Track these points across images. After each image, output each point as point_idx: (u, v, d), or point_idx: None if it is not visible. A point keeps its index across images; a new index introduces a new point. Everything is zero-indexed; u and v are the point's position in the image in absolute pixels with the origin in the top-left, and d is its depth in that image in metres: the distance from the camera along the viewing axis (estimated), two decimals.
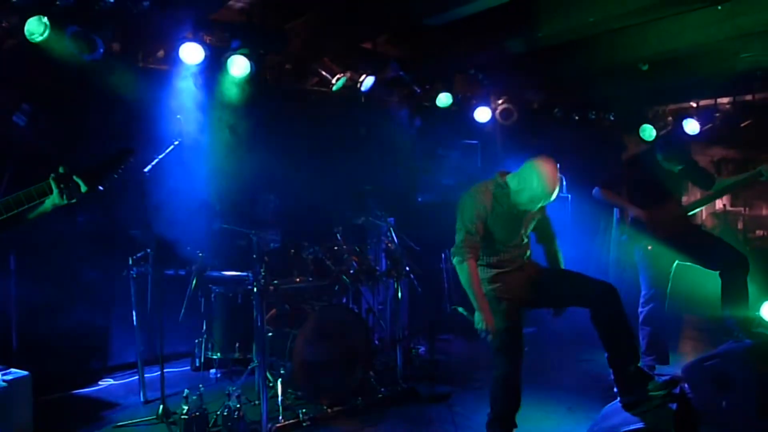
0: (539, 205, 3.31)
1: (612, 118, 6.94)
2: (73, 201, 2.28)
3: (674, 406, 3.04)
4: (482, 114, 6.29)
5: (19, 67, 4.16)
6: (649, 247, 4.46)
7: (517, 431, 3.46)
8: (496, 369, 3.38)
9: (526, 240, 3.46)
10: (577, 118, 6.85)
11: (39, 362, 4.00)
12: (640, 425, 2.97)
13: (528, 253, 3.48)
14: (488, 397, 3.42)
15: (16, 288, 4.33)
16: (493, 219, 3.29)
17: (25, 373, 3.78)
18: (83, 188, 2.27)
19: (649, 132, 6.52)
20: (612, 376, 3.35)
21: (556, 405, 4.26)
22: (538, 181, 3.17)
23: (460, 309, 3.38)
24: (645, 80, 5.64)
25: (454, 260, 3.30)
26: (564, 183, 3.24)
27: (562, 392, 4.51)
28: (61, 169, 2.25)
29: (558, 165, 3.24)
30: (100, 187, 2.31)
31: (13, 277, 4.28)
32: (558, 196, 3.25)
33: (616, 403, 3.33)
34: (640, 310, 4.60)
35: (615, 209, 6.33)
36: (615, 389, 3.35)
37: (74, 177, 2.25)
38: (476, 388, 4.49)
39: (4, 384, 3.61)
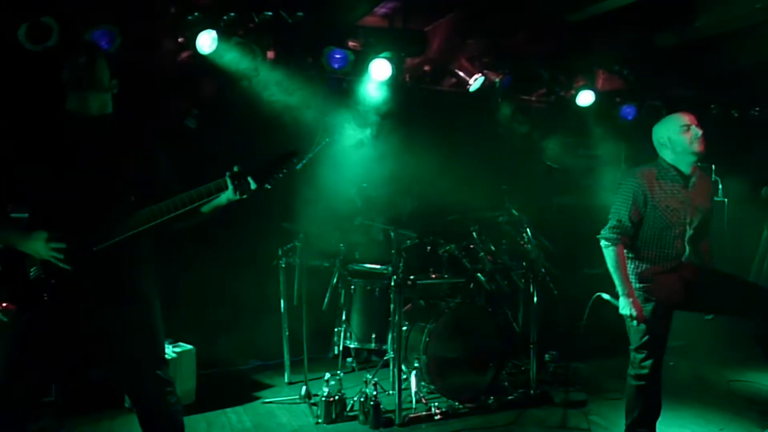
0: (697, 147, 3.13)
1: None
2: (245, 197, 2.45)
3: None
4: (627, 112, 5.98)
5: (191, 76, 4.67)
6: None
7: None
8: (632, 367, 3.20)
9: (690, 232, 3.17)
10: (736, 115, 6.27)
11: (199, 339, 4.44)
12: None
13: (687, 251, 3.18)
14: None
15: (183, 272, 4.84)
16: (654, 204, 3.11)
17: (191, 347, 4.25)
18: (253, 186, 2.43)
19: None
20: None
21: (705, 425, 3.96)
22: (673, 126, 3.15)
23: (605, 295, 3.24)
24: None
25: (602, 243, 3.17)
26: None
27: (711, 412, 4.17)
28: (236, 168, 2.42)
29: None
30: (267, 185, 2.46)
31: (181, 263, 4.79)
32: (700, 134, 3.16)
33: None
34: None
35: None
36: None
37: (247, 176, 2.42)
38: (614, 399, 4.29)
39: (174, 354, 4.09)
